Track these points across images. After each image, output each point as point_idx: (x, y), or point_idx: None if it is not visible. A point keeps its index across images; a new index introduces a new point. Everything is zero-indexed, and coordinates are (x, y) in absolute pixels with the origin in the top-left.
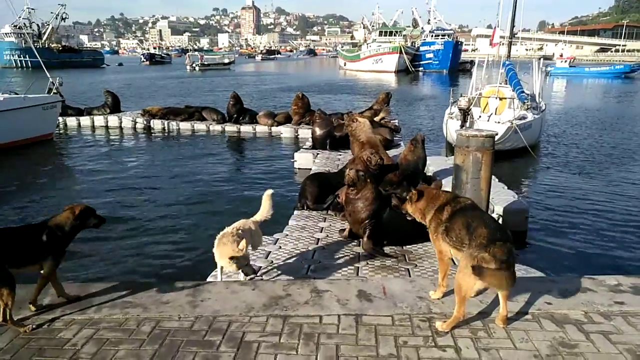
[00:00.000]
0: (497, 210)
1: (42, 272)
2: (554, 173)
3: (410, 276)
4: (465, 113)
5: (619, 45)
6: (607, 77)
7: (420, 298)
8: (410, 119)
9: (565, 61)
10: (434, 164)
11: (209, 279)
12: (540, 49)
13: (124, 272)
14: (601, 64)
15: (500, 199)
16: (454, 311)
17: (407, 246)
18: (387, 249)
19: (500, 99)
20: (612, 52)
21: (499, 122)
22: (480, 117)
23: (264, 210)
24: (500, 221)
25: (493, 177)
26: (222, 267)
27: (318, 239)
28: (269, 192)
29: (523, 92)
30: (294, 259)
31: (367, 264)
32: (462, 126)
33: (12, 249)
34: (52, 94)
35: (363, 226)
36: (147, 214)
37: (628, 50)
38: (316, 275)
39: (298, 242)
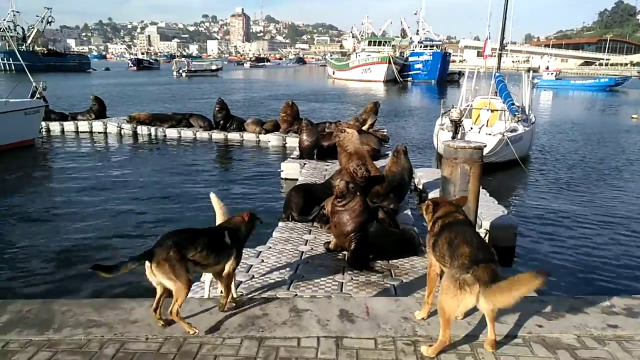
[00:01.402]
0: (484, 225)
1: (224, 272)
2: (543, 187)
3: (395, 293)
4: (457, 125)
5: (603, 59)
6: (592, 89)
7: (405, 319)
8: (399, 129)
9: (552, 74)
10: (425, 176)
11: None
12: (527, 61)
13: (92, 287)
14: (586, 77)
15: (489, 213)
16: (439, 334)
17: (394, 260)
18: (372, 264)
19: (492, 110)
20: (596, 65)
21: (490, 134)
22: (471, 128)
23: (220, 214)
24: (487, 237)
25: (483, 190)
26: (211, 280)
27: (302, 252)
28: (212, 195)
29: (513, 104)
30: (276, 273)
31: (352, 279)
32: (453, 138)
33: (205, 248)
34: (35, 98)
35: (348, 239)
36: (122, 225)
37: (612, 64)
38: (298, 291)
39: (281, 255)
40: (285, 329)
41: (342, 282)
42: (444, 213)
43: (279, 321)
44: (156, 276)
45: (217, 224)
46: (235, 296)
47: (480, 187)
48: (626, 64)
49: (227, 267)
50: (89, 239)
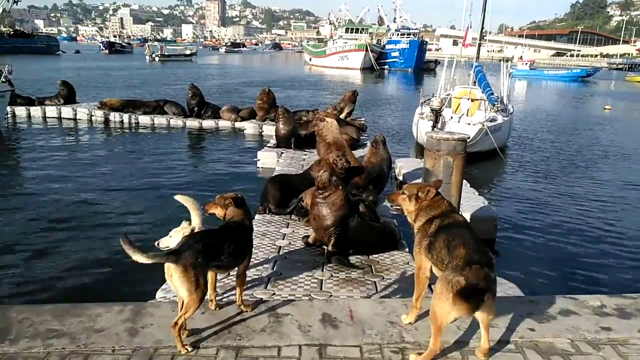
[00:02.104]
0: (465, 217)
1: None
2: (521, 176)
3: (377, 290)
4: (437, 114)
5: (574, 50)
6: (565, 80)
7: (391, 323)
8: (377, 118)
9: (526, 64)
10: (405, 166)
11: (158, 296)
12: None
13: (55, 290)
14: (558, 67)
15: (470, 205)
16: (429, 342)
17: (374, 255)
18: (352, 259)
19: (472, 100)
20: (567, 56)
21: (470, 124)
22: (452, 118)
23: (193, 210)
24: None
25: (464, 181)
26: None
27: (280, 247)
28: (178, 197)
29: (492, 94)
30: (252, 270)
31: (332, 276)
32: (433, 127)
33: (229, 249)
34: (0, 82)
35: (328, 234)
36: (89, 218)
37: (582, 55)
38: (276, 289)
39: (258, 251)
40: (265, 337)
41: (322, 280)
42: (440, 212)
43: (257, 327)
44: (175, 280)
45: (193, 223)
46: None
47: None
48: (596, 56)
49: (241, 267)
50: (52, 230)
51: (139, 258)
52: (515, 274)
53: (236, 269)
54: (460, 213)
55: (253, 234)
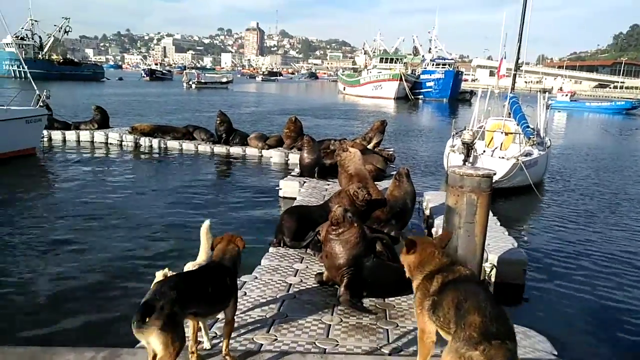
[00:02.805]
0: (491, 259)
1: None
2: (558, 216)
3: (389, 340)
4: (469, 147)
5: (618, 81)
6: (608, 112)
7: None
8: (408, 149)
9: (566, 95)
10: (433, 200)
11: None
12: (539, 82)
13: (41, 326)
14: (601, 100)
15: (497, 246)
16: None
17: (390, 299)
18: (366, 302)
19: (506, 133)
20: (610, 88)
21: (504, 158)
22: (484, 151)
23: (205, 249)
24: (494, 272)
25: (493, 219)
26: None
27: (290, 284)
28: (206, 224)
29: (528, 126)
30: (257, 310)
31: (341, 321)
32: (465, 161)
33: (206, 294)
34: (38, 106)
35: (340, 273)
36: (100, 243)
37: (626, 87)
38: (279, 334)
39: (266, 288)
40: None
41: (330, 325)
42: (441, 266)
43: None
44: (147, 335)
45: (200, 255)
46: (204, 343)
47: (490, 215)
48: None
49: (229, 313)
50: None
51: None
52: (545, 326)
53: (224, 315)
54: (465, 264)
55: (260, 270)
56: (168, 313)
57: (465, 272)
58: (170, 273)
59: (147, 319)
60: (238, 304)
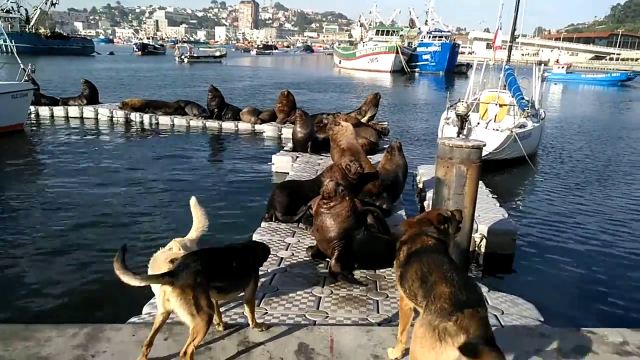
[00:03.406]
0: (481, 229)
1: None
2: (551, 187)
3: (378, 311)
4: (463, 119)
5: (614, 53)
6: (603, 84)
7: (375, 358)
8: (404, 122)
9: (562, 67)
10: (427, 174)
11: (145, 311)
12: (536, 54)
13: (24, 304)
14: (597, 71)
15: (488, 217)
16: None
17: (380, 270)
18: (357, 274)
19: (500, 105)
20: (606, 60)
21: (498, 130)
22: (478, 124)
23: (198, 223)
24: (484, 243)
25: (485, 190)
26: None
27: (282, 258)
28: (193, 200)
29: (523, 98)
30: None
31: (332, 293)
32: (459, 133)
33: (230, 270)
34: (23, 81)
35: (331, 246)
36: (102, 217)
37: (622, 59)
38: (269, 307)
39: None
40: None
41: (321, 297)
42: (409, 236)
43: (222, 358)
44: (173, 304)
45: (192, 230)
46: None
47: (482, 187)
48: (637, 59)
49: (249, 292)
50: (67, 231)
51: (130, 280)
52: (533, 294)
53: (243, 294)
54: (433, 234)
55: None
56: (190, 283)
57: (428, 241)
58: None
59: (170, 289)
60: None
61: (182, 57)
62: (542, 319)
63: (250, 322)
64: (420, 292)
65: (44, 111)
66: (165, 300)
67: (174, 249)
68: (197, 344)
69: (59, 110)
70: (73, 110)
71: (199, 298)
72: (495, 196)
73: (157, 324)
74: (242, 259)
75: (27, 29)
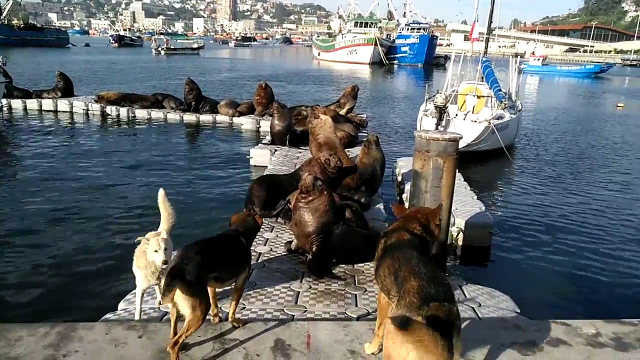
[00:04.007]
0: (458, 223)
1: (236, 285)
2: (528, 179)
3: (356, 305)
4: (441, 111)
5: (587, 46)
6: (578, 76)
7: (352, 353)
8: (382, 114)
9: (538, 59)
10: (405, 166)
11: (120, 307)
12: (513, 46)
13: (4, 302)
14: (571, 64)
15: (465, 210)
16: None
17: (359, 265)
18: (336, 269)
19: (478, 97)
20: (580, 52)
21: (476, 121)
22: (457, 115)
23: (165, 215)
24: (461, 236)
25: (463, 183)
26: (142, 292)
27: (260, 253)
28: (161, 193)
29: (500, 90)
30: None
31: (310, 287)
32: (437, 125)
33: (222, 262)
34: None
35: (309, 241)
36: (77, 213)
37: (596, 51)
38: (247, 302)
39: None
40: None
41: (299, 292)
42: (388, 230)
43: (197, 356)
44: (177, 297)
45: (162, 224)
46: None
47: (460, 179)
48: (610, 52)
49: (241, 280)
50: (37, 227)
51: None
52: (509, 286)
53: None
54: (417, 227)
55: None
56: (195, 276)
57: (402, 237)
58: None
59: (175, 283)
60: None
61: (159, 49)
62: (519, 311)
63: (230, 312)
64: (393, 288)
65: (17, 104)
66: (170, 297)
67: (153, 242)
68: (189, 335)
69: (32, 103)
70: (47, 104)
71: (201, 292)
72: (473, 189)
73: (173, 319)
74: (236, 246)
75: None
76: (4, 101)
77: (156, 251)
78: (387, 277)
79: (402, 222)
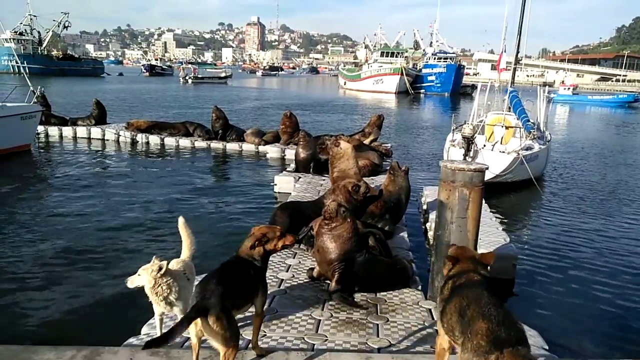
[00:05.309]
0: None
1: (256, 311)
2: (557, 211)
3: (378, 335)
4: (469, 141)
5: (620, 75)
6: (610, 105)
7: None
8: (408, 144)
9: (568, 88)
10: (431, 195)
11: (143, 331)
12: (541, 75)
13: (22, 325)
14: (603, 93)
15: (489, 240)
16: None
17: (382, 293)
18: (358, 297)
19: (506, 127)
20: (612, 81)
21: (504, 152)
22: (484, 146)
23: (187, 244)
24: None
25: (490, 213)
26: (161, 317)
27: (282, 279)
28: (181, 221)
29: (528, 120)
30: None
31: (331, 316)
32: (465, 155)
33: (239, 289)
34: (32, 102)
35: (332, 268)
36: (103, 244)
37: (629, 81)
38: (268, 330)
39: None
40: None
41: (320, 320)
42: (457, 272)
43: None
44: (208, 332)
45: (183, 251)
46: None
47: (487, 210)
48: None
49: (258, 304)
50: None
51: (177, 335)
52: (534, 321)
53: (253, 308)
54: (482, 270)
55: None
56: (222, 308)
57: (473, 277)
58: (162, 262)
59: (206, 318)
60: None
61: (187, 77)
62: (547, 347)
63: (253, 340)
64: (457, 327)
65: (53, 131)
66: (199, 330)
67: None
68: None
69: (67, 131)
70: (81, 131)
71: (230, 321)
72: (499, 219)
73: (196, 350)
74: (249, 271)
75: (39, 51)
76: (41, 128)
77: (140, 275)
78: (452, 315)
79: (470, 264)
